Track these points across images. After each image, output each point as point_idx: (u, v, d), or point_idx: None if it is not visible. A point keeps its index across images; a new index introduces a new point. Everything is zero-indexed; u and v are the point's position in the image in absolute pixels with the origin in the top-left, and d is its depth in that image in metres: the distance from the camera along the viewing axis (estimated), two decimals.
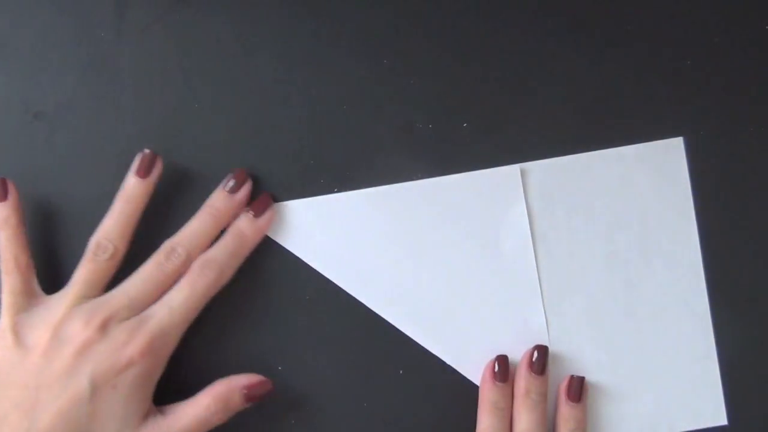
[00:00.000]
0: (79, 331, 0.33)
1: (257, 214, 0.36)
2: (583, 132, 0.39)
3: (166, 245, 0.35)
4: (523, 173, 0.38)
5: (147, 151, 0.36)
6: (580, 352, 0.38)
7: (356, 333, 0.38)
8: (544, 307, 0.38)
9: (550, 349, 0.37)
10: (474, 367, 0.37)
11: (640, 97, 0.39)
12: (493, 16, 0.39)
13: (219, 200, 0.36)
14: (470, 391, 0.38)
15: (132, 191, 0.36)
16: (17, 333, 0.33)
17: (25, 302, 0.34)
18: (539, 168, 0.38)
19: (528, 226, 0.38)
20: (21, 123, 0.38)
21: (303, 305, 0.38)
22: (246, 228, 0.36)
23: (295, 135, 0.38)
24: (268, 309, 0.38)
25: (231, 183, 0.37)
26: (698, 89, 0.39)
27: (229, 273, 0.36)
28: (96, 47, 0.39)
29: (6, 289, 0.35)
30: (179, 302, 0.34)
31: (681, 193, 0.38)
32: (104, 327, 0.33)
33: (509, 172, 0.38)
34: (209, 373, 0.36)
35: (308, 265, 0.38)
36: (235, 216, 0.37)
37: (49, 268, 0.38)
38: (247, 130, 0.38)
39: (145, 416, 0.33)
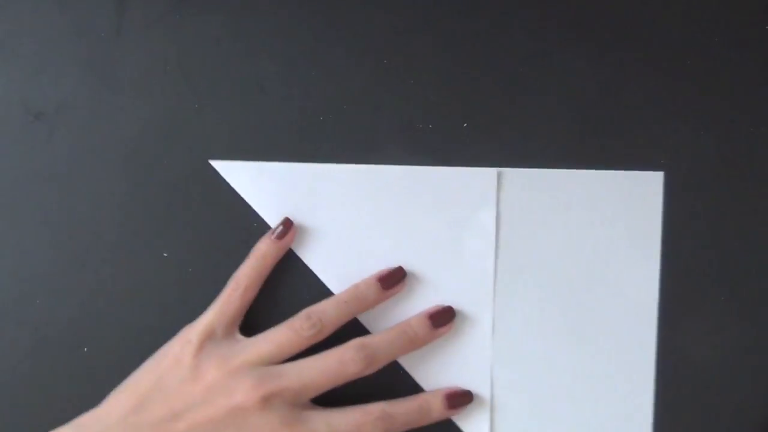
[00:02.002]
0: (244, 390, 0.33)
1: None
2: (577, 143, 0.38)
3: (356, 342, 0.35)
4: (500, 177, 0.38)
5: (401, 267, 0.37)
6: (521, 364, 0.38)
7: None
8: (493, 313, 0.38)
9: (492, 355, 0.37)
10: (416, 361, 0.37)
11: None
12: (493, 15, 0.39)
13: (419, 326, 0.36)
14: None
15: (366, 291, 0.36)
16: (199, 352, 0.34)
17: (222, 332, 0.35)
18: (518, 175, 0.38)
19: (494, 231, 0.38)
20: (21, 123, 0.38)
21: (301, 304, 0.38)
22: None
23: (295, 135, 0.38)
24: (267, 310, 0.38)
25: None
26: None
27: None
28: (96, 47, 0.39)
29: (218, 307, 0.35)
30: (339, 428, 0.33)
31: (651, 228, 0.38)
32: (267, 400, 0.33)
33: (486, 174, 0.38)
34: None
35: (307, 264, 0.38)
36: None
37: (48, 268, 0.38)
38: (246, 130, 0.38)
39: None
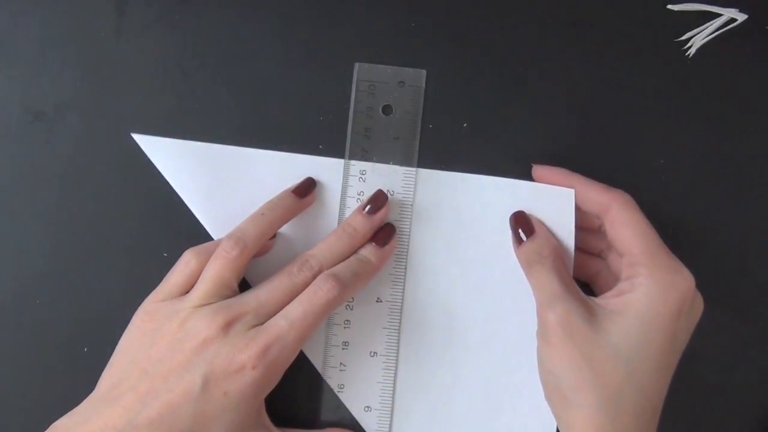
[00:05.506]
0: (205, 326, 0.33)
1: (381, 244, 0.37)
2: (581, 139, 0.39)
3: (301, 257, 0.35)
4: (418, 177, 0.38)
5: (310, 176, 0.38)
6: (425, 370, 0.38)
7: None
8: (402, 306, 0.38)
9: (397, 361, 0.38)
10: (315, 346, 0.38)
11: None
12: (494, 15, 0.39)
13: (357, 221, 0.37)
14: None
15: (281, 201, 0.36)
16: (154, 317, 0.34)
17: (168, 295, 0.35)
18: (431, 177, 0.38)
19: (409, 228, 0.38)
20: (21, 123, 0.38)
21: None
22: (371, 255, 0.36)
23: (295, 135, 0.39)
24: None
25: (370, 205, 0.37)
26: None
27: (350, 293, 0.35)
28: (96, 47, 0.39)
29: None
30: (297, 315, 0.33)
31: (564, 243, 0.37)
32: (227, 327, 0.33)
33: (406, 172, 0.38)
34: None
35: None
36: (370, 235, 0.37)
37: (47, 268, 0.38)
38: (247, 129, 0.38)
39: (255, 429, 0.34)
